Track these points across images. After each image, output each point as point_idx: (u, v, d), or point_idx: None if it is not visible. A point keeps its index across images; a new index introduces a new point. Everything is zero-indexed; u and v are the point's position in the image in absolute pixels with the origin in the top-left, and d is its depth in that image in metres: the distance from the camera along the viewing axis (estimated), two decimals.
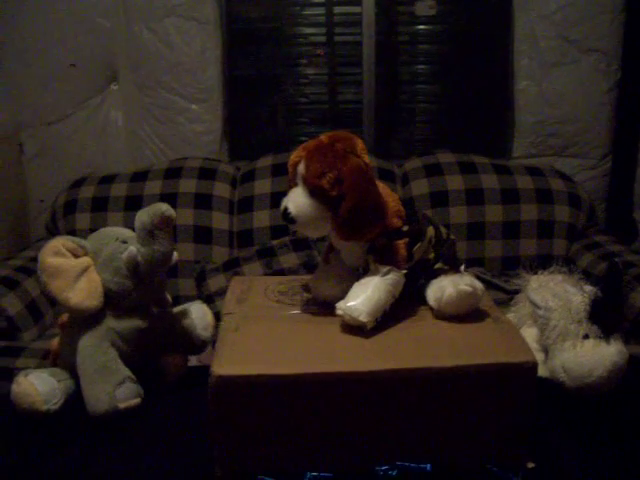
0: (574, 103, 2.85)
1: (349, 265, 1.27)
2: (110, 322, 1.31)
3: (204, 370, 1.07)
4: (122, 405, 1.24)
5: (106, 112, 2.95)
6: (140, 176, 2.75)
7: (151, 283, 1.33)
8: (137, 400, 1.28)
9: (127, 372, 1.29)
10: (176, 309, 1.47)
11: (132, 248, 1.28)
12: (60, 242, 1.30)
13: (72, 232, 2.65)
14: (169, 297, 1.47)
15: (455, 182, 2.68)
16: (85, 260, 1.31)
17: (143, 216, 1.28)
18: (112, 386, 1.25)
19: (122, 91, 2.94)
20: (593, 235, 2.68)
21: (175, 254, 1.39)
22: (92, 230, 2.55)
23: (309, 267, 2.46)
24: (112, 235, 1.34)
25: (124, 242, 1.31)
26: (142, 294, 1.33)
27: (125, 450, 1.20)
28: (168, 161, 2.85)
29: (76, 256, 1.30)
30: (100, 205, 2.69)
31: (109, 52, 2.88)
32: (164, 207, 1.28)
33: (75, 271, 1.28)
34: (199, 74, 2.89)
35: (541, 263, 1.51)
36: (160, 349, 1.41)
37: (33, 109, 2.92)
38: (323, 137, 1.20)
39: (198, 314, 1.45)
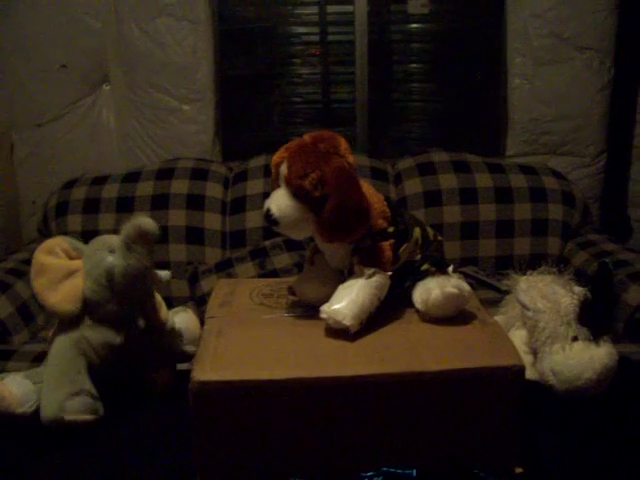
0: (568, 101, 2.84)
1: (334, 267, 1.25)
2: (85, 331, 1.30)
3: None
4: (67, 417, 1.21)
5: (98, 113, 2.93)
6: (132, 177, 2.73)
7: (129, 298, 1.31)
8: (89, 417, 1.24)
9: (87, 385, 1.26)
10: None
11: (110, 259, 1.27)
12: (57, 242, 1.31)
13: (64, 234, 2.61)
14: (164, 316, 1.44)
15: (448, 181, 2.66)
16: (75, 263, 1.30)
17: (124, 227, 1.26)
18: (64, 395, 1.22)
19: (114, 92, 2.92)
20: (587, 234, 2.66)
21: (166, 273, 1.39)
22: (84, 232, 2.59)
23: (302, 267, 2.44)
24: (108, 243, 1.32)
25: (112, 251, 1.29)
26: (119, 308, 1.31)
27: (106, 458, 1.18)
28: (160, 162, 2.83)
29: (70, 257, 1.29)
30: (92, 206, 2.67)
31: (100, 52, 2.86)
32: (144, 221, 1.25)
33: (61, 272, 1.28)
34: (191, 74, 2.87)
35: (535, 262, 1.50)
36: (145, 365, 1.38)
37: (24, 110, 2.90)
38: (306, 137, 1.18)
39: (184, 326, 1.43)
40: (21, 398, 1.26)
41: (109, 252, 1.29)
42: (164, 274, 1.39)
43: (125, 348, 1.32)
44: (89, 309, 1.30)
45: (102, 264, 1.28)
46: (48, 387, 1.24)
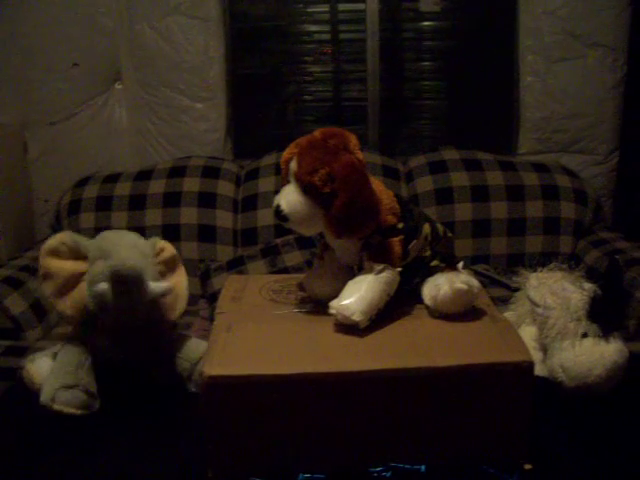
0: (580, 99, 2.82)
1: (343, 263, 1.26)
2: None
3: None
4: (55, 406, 1.26)
5: (110, 111, 2.94)
6: (144, 175, 2.74)
7: (119, 317, 1.30)
8: (76, 411, 1.27)
9: (84, 381, 1.29)
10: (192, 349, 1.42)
11: (101, 286, 1.25)
12: (60, 240, 1.31)
13: (77, 232, 2.61)
14: (174, 315, 1.43)
15: (460, 179, 2.65)
16: (80, 267, 1.31)
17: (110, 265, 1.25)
18: (58, 386, 1.27)
19: (126, 90, 2.93)
20: (600, 232, 2.65)
21: (160, 287, 1.31)
22: (97, 229, 2.59)
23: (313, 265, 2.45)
24: (116, 246, 1.30)
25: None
26: (111, 321, 1.32)
27: (117, 450, 1.19)
28: (172, 160, 2.84)
29: (75, 256, 1.29)
30: (104, 204, 2.68)
31: (112, 51, 2.87)
32: (120, 265, 1.23)
33: (66, 277, 1.30)
34: (203, 72, 2.87)
35: (547, 260, 1.49)
36: (145, 358, 1.40)
37: (37, 109, 2.91)
38: (316, 133, 1.19)
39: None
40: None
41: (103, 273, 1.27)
42: (159, 288, 1.30)
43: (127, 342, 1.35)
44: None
45: (93, 289, 1.27)
46: (50, 374, 1.30)
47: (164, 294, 1.31)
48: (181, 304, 1.42)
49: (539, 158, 2.86)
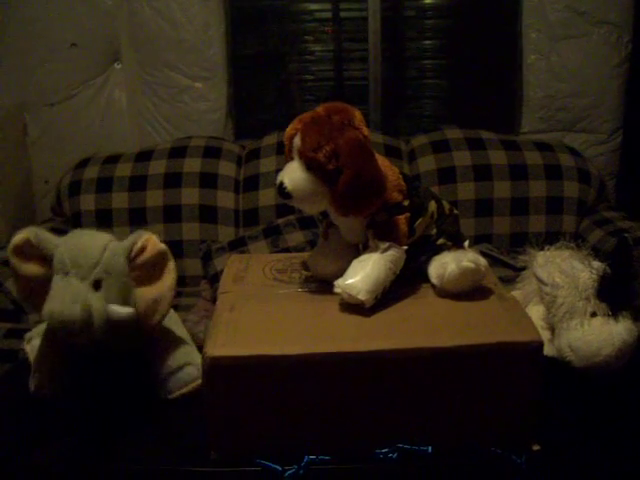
0: (584, 77, 2.80)
1: (348, 241, 1.24)
2: None
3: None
4: (32, 389, 1.26)
5: (109, 92, 2.92)
6: (144, 156, 2.73)
7: None
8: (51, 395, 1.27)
9: (45, 366, 1.27)
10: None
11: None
12: (25, 238, 1.16)
13: (77, 213, 2.65)
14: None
15: (463, 158, 2.64)
16: (47, 271, 1.16)
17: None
18: (33, 370, 1.27)
19: (125, 70, 2.91)
20: (603, 211, 2.64)
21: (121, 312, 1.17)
22: (97, 211, 2.58)
23: (315, 245, 2.44)
24: (85, 254, 1.14)
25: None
26: None
27: (119, 430, 1.18)
28: (172, 140, 2.83)
29: (41, 255, 1.16)
30: (105, 186, 2.67)
31: (111, 31, 2.85)
32: (49, 319, 1.08)
33: (32, 280, 1.17)
34: (203, 52, 2.85)
35: (550, 239, 1.48)
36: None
37: (36, 90, 2.90)
38: (320, 109, 1.16)
39: None
40: None
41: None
42: (117, 315, 1.15)
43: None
44: None
45: None
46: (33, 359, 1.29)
47: (124, 320, 1.16)
48: (162, 308, 1.23)
49: (542, 137, 2.85)
